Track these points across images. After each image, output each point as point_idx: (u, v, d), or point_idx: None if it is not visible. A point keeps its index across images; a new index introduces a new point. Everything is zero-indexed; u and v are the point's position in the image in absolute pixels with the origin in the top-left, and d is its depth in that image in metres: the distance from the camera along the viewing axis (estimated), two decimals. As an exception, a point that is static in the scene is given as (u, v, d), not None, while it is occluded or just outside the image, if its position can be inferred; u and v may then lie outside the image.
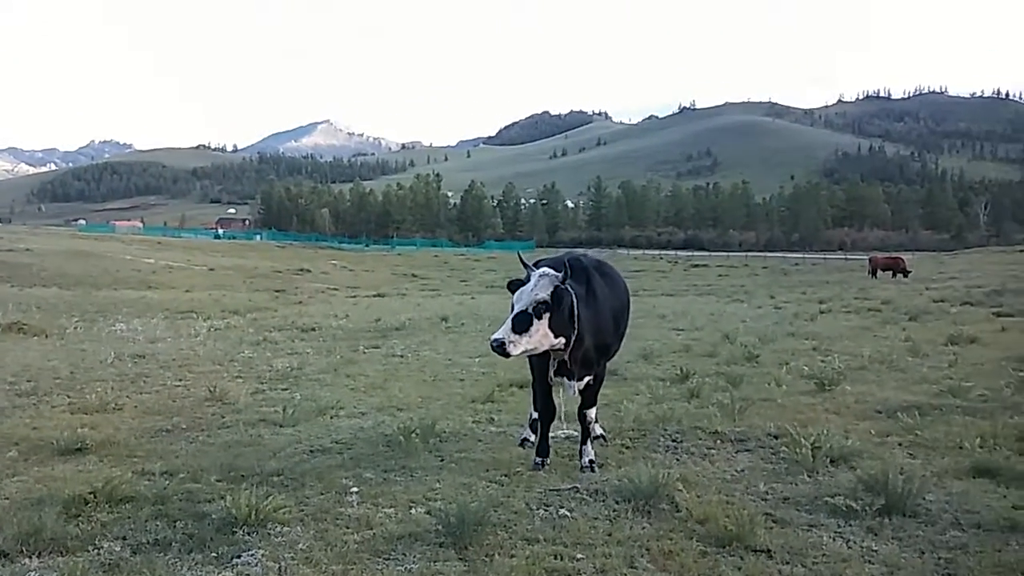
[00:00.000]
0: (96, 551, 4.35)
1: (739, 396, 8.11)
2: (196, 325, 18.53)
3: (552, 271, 5.58)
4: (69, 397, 9.04)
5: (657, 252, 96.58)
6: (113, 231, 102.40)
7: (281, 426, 7.43)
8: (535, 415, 6.42)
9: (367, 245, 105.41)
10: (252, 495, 4.73)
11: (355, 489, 5.30)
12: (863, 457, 5.88)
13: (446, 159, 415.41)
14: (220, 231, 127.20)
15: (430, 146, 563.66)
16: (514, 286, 5.62)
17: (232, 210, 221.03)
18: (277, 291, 35.77)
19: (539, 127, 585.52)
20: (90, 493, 5.09)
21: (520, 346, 5.29)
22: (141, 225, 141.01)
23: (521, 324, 5.30)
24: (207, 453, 6.50)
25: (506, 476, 5.70)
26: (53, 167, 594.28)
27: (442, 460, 6.16)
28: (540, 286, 5.41)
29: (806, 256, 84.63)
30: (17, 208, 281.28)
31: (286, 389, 9.54)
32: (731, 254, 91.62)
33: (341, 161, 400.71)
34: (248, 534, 4.54)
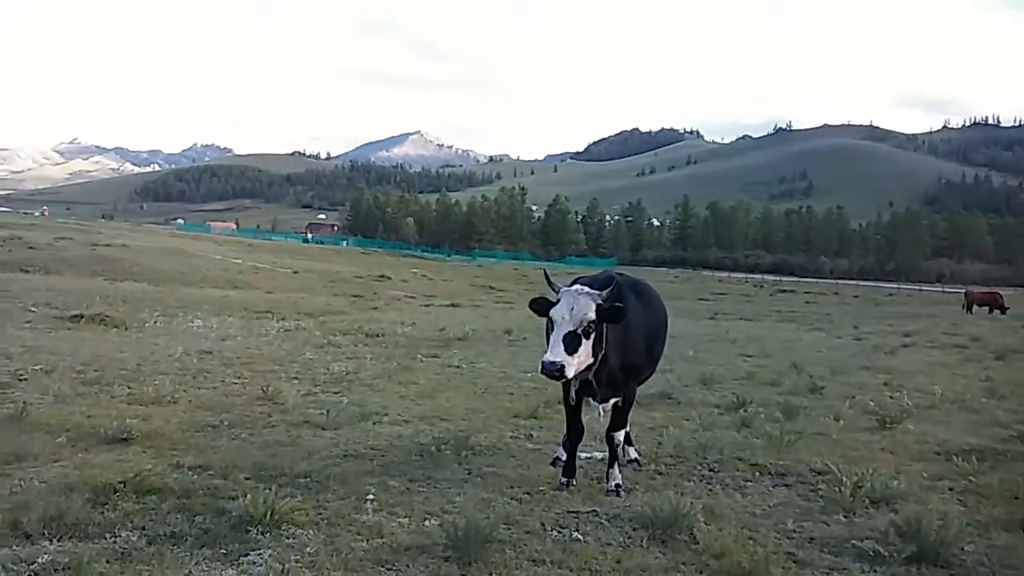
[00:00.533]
0: (113, 539, 4.46)
1: (791, 428, 7.79)
2: (268, 325, 19.04)
3: (588, 289, 5.48)
4: (129, 388, 9.37)
5: (743, 275, 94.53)
6: (208, 231, 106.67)
7: (323, 428, 7.52)
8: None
9: (449, 255, 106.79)
10: (272, 495, 4.78)
11: (372, 496, 5.30)
12: (907, 500, 5.53)
13: (532, 173, 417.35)
14: (309, 235, 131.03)
15: (517, 159, 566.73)
16: (541, 306, 5.54)
17: (322, 216, 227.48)
18: (355, 296, 36.50)
19: (628, 143, 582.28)
20: (120, 482, 5.24)
21: (573, 368, 5.21)
22: (235, 227, 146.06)
23: (572, 345, 5.21)
24: (244, 451, 6.61)
25: (528, 494, 5.60)
26: (156, 168, 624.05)
27: (469, 473, 6.11)
28: (583, 305, 5.31)
29: (901, 287, 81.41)
30: (120, 206, 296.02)
31: (337, 392, 9.67)
32: (821, 281, 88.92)
33: (429, 172, 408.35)
34: (261, 534, 4.58)
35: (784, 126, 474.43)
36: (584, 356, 5.29)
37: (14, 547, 4.27)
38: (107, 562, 4.13)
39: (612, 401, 5.84)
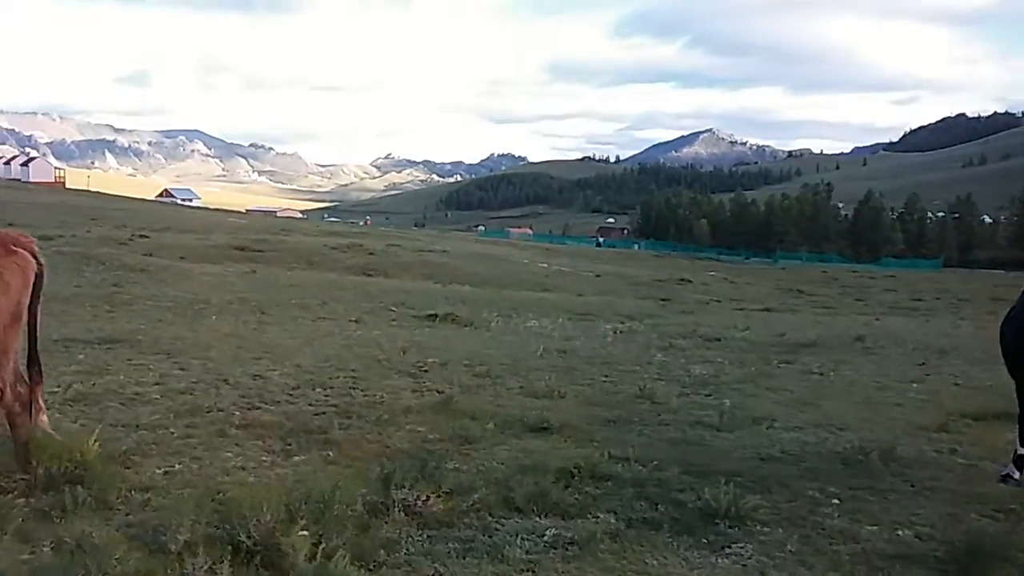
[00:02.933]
0: (594, 519, 4.85)
1: None
2: (597, 327, 19.69)
3: None
4: (518, 382, 10.19)
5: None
6: (507, 236, 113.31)
7: (719, 430, 7.61)
8: (1022, 451, 5.76)
9: (747, 257, 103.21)
10: (731, 491, 4.91)
11: (836, 501, 5.23)
12: None
13: (837, 167, 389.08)
14: (600, 239, 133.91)
15: (820, 153, 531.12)
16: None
17: (611, 219, 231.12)
18: (663, 299, 36.58)
19: (952, 131, 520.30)
20: (574, 467, 5.70)
21: None
22: (531, 232, 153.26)
23: None
24: (656, 446, 6.87)
25: (999, 512, 5.19)
26: (459, 178, 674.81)
27: (912, 486, 5.82)
28: None
29: None
30: (428, 214, 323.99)
31: (709, 395, 9.72)
32: None
33: (722, 171, 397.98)
34: (729, 527, 4.74)
35: None
36: None
37: (516, 520, 4.80)
38: (600, 540, 4.49)
39: None
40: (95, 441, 5.18)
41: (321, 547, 3.95)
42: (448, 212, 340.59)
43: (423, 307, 21.60)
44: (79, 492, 4.59)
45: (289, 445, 6.58)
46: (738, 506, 4.82)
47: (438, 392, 9.23)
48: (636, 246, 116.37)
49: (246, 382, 9.15)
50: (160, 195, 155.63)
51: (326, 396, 8.74)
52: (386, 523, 4.59)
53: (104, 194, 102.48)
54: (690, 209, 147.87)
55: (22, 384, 5.33)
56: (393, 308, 20.72)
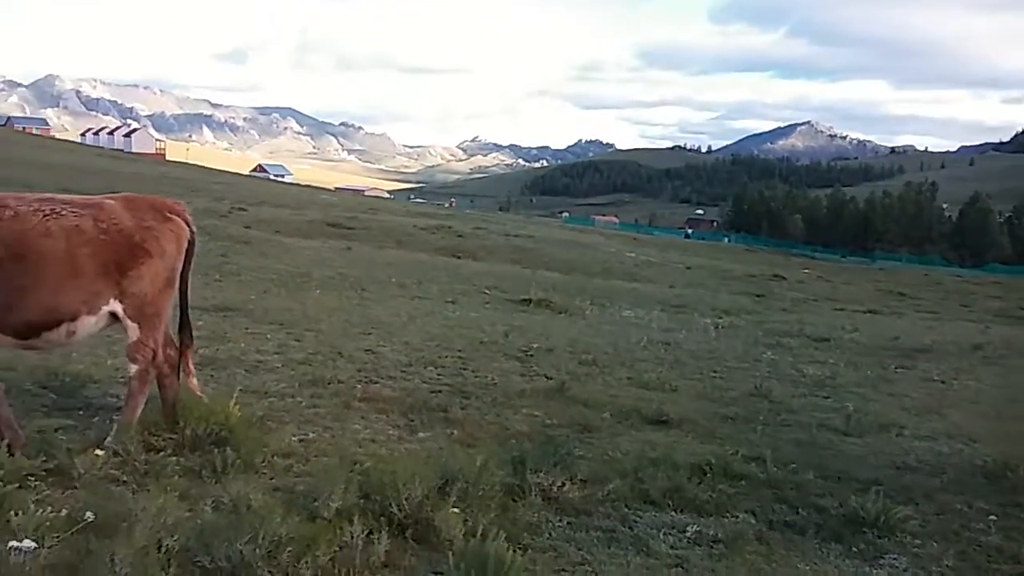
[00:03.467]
0: (733, 518, 4.72)
1: None
2: (695, 320, 19.34)
3: None
4: (626, 372, 10.07)
5: None
6: (593, 224, 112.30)
7: (845, 435, 7.35)
8: None
9: (843, 256, 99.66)
10: (881, 499, 4.72)
11: (994, 517, 4.97)
12: None
13: (942, 166, 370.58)
14: (689, 231, 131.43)
15: (924, 151, 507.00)
16: None
17: (700, 211, 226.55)
18: (758, 296, 35.68)
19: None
20: (705, 464, 5.56)
21: None
22: (617, 220, 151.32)
23: None
24: (785, 448, 6.66)
25: None
26: (544, 163, 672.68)
27: (1072, 508, 5.46)
28: None
29: None
30: (513, 199, 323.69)
31: (828, 398, 9.41)
32: None
33: (819, 165, 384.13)
34: (878, 537, 4.54)
35: None
36: None
37: (653, 513, 4.72)
38: (747, 540, 4.36)
39: None
40: (235, 405, 5.33)
41: (468, 525, 3.96)
42: (532, 197, 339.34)
43: (515, 291, 21.64)
44: (228, 454, 4.73)
45: (412, 421, 6.67)
46: (887, 516, 4.61)
47: (547, 378, 9.20)
48: (726, 239, 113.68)
49: (360, 356, 9.31)
50: (254, 170, 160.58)
51: (439, 375, 8.83)
52: (523, 506, 4.57)
53: (202, 167, 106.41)
54: (784, 203, 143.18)
55: (172, 347, 5.53)
56: (486, 291, 20.82)
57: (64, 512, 3.85)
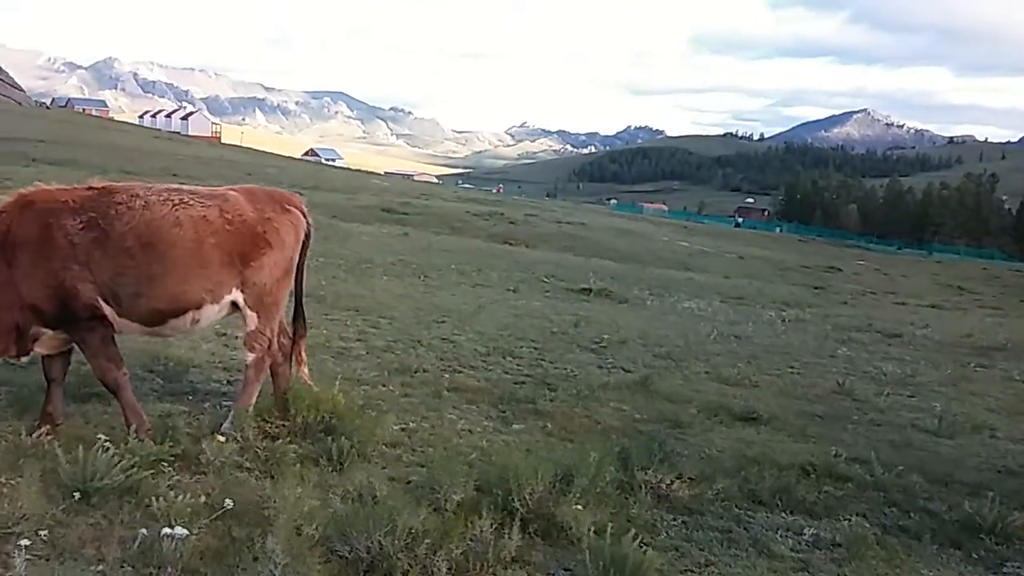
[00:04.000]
0: (846, 521, 4.69)
1: None
2: (758, 312, 19.13)
3: None
4: (703, 366, 10.00)
5: None
6: (641, 212, 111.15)
7: (937, 436, 7.22)
8: None
9: (899, 248, 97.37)
10: (995, 505, 4.64)
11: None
12: None
13: (1003, 157, 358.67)
14: (740, 220, 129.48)
15: (984, 141, 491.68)
16: None
17: (750, 199, 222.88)
18: (816, 288, 35.09)
19: None
20: (808, 464, 5.52)
21: None
22: (666, 208, 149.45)
23: None
24: (880, 450, 6.53)
25: None
26: (593, 150, 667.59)
27: None
28: None
29: None
30: (560, 185, 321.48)
31: (912, 396, 9.25)
32: None
33: (874, 154, 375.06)
34: (996, 544, 4.47)
35: None
36: None
37: (765, 514, 4.70)
38: (867, 546, 4.32)
39: None
40: (339, 393, 5.42)
41: (594, 522, 3.99)
42: (580, 184, 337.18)
43: (573, 280, 21.63)
44: (343, 443, 4.82)
45: (503, 412, 6.73)
46: (1004, 523, 4.53)
47: (624, 370, 9.21)
48: (778, 229, 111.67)
49: (439, 345, 9.41)
50: (306, 154, 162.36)
51: (518, 366, 8.89)
52: (636, 504, 4.59)
53: (256, 150, 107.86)
54: (838, 193, 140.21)
55: (285, 336, 5.65)
56: (545, 279, 20.81)
57: (202, 499, 3.98)
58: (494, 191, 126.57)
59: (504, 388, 7.55)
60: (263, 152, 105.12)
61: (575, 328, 12.11)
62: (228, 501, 3.87)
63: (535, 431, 6.25)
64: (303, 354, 5.77)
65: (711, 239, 63.34)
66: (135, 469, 4.07)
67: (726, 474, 5.30)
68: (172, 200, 4.97)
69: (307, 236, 5.58)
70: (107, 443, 4.22)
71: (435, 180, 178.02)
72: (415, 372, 7.77)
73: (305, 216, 5.57)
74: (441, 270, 19.50)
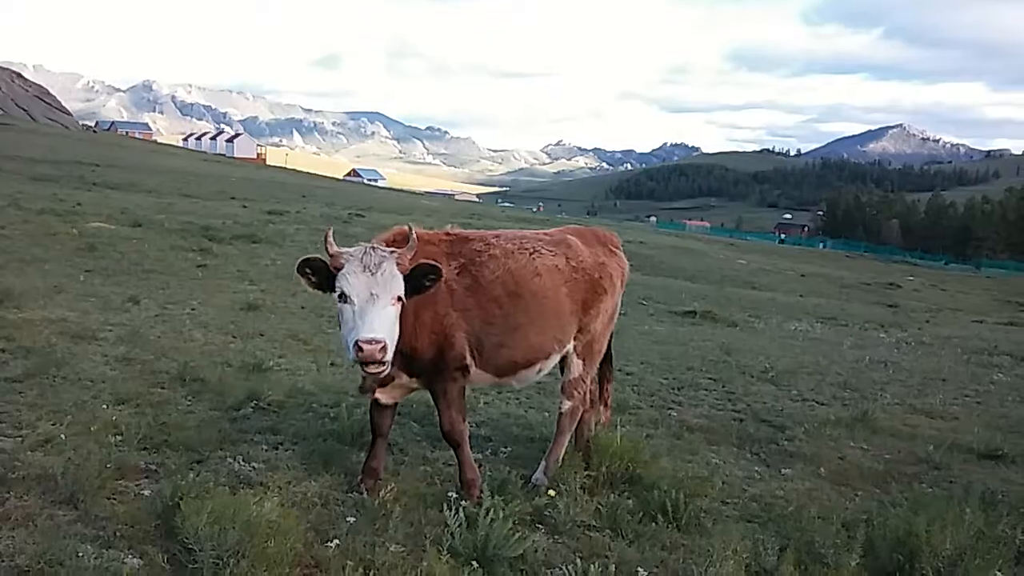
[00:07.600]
0: None
1: None
2: (867, 334, 18.67)
3: None
4: (889, 397, 9.62)
5: None
6: (684, 229, 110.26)
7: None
8: None
9: (946, 263, 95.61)
10: None
11: None
12: None
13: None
14: (782, 236, 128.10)
15: (1021, 155, 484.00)
16: None
17: (788, 215, 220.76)
18: (891, 306, 34.37)
19: None
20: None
21: None
22: (708, 225, 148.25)
23: None
24: None
25: None
26: (629, 167, 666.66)
27: None
28: None
29: None
30: (598, 203, 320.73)
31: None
32: None
33: (912, 169, 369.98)
34: None
35: None
36: None
37: None
38: None
39: None
40: (642, 441, 5.20)
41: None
42: (616, 201, 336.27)
43: (668, 302, 21.35)
44: (677, 498, 4.57)
45: (758, 455, 6.46)
46: None
47: (817, 403, 8.92)
48: (821, 245, 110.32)
49: (620, 377, 9.12)
50: (348, 174, 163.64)
51: (716, 399, 8.64)
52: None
53: (301, 172, 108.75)
54: (879, 208, 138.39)
55: (594, 381, 5.45)
56: (643, 302, 20.48)
57: (577, 562, 3.74)
58: (534, 209, 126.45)
59: (730, 427, 7.29)
60: (308, 173, 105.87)
61: (728, 356, 11.80)
62: (642, 571, 3.64)
63: (807, 477, 5.98)
64: (609, 399, 5.56)
65: (762, 256, 62.62)
66: (513, 535, 3.86)
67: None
68: (527, 249, 4.85)
69: (624, 277, 5.41)
70: (462, 502, 4.03)
71: (476, 199, 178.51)
72: (631, 411, 7.52)
73: (623, 257, 5.40)
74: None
